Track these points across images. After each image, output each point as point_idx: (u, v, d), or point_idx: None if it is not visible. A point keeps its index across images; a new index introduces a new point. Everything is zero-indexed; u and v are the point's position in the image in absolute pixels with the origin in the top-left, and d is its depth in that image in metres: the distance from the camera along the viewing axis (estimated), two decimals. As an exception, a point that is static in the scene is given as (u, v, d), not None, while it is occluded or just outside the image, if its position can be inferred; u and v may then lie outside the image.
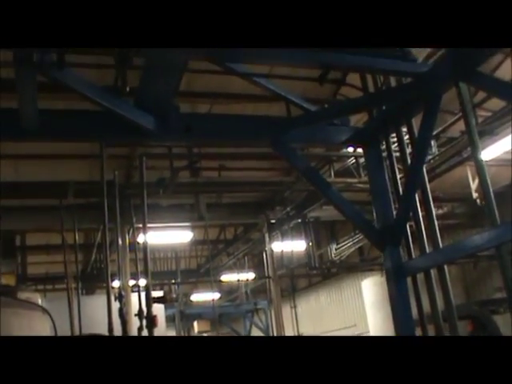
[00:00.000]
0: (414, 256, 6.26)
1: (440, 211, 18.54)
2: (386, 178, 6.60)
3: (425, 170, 6.20)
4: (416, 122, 6.18)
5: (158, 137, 5.86)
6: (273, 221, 17.29)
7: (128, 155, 14.33)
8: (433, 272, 5.94)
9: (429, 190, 6.13)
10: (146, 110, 5.55)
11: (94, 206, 11.99)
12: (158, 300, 9.94)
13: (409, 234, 6.30)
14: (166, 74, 5.00)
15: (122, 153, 14.18)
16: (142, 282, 19.41)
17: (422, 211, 6.15)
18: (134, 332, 8.51)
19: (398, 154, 6.57)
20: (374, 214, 6.61)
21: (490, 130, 12.21)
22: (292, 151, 6.31)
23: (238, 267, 23.37)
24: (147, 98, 5.44)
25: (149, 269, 10.48)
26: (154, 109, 5.55)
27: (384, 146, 6.70)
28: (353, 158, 14.01)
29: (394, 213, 6.45)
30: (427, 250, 6.09)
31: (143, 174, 11.34)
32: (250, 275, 23.99)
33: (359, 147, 7.42)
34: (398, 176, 6.55)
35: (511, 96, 5.10)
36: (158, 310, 12.36)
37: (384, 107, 6.56)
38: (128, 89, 5.75)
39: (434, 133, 13.19)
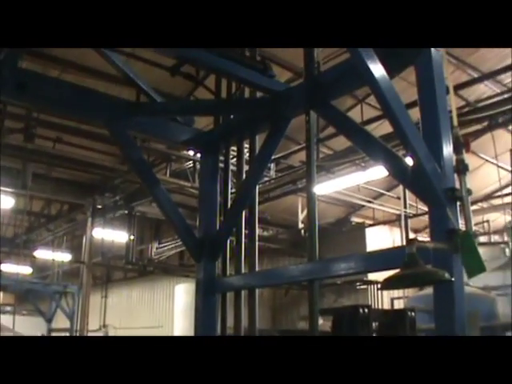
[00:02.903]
0: (228, 273, 6.13)
1: (265, 233, 18.94)
2: (218, 189, 6.42)
3: (257, 190, 6.11)
4: (260, 141, 6.08)
5: (-14, 88, 5.27)
6: (99, 206, 16.72)
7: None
8: (243, 292, 5.85)
9: (257, 211, 6.03)
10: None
11: None
12: None
13: (227, 250, 6.16)
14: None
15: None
16: None
17: (245, 230, 6.05)
18: None
19: (234, 168, 6.45)
20: (197, 222, 6.40)
21: (327, 167, 12.57)
22: (127, 138, 5.94)
23: (56, 246, 22.43)
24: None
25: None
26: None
27: (222, 157, 6.54)
28: (191, 161, 13.88)
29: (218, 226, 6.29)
30: (243, 270, 5.98)
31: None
32: (67, 256, 23.07)
33: (198, 151, 7.20)
34: (230, 190, 6.40)
35: (354, 136, 5.08)
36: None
37: (232, 117, 6.41)
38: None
39: (275, 157, 13.41)
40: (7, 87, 5.23)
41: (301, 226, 17.87)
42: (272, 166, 14.09)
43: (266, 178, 13.93)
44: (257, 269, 5.82)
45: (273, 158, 13.84)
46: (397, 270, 3.32)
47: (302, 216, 17.58)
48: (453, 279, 3.45)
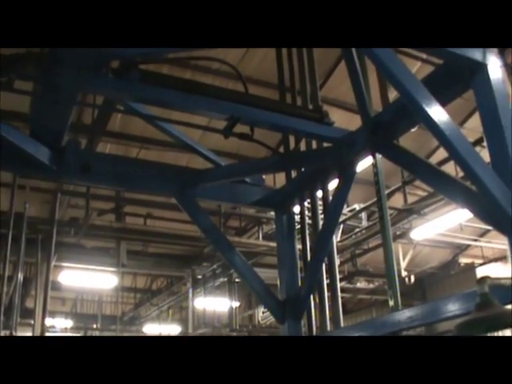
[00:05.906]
0: (314, 333, 5.84)
1: (371, 285, 18.36)
2: (296, 246, 6.20)
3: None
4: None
5: (54, 173, 5.34)
6: (199, 276, 16.78)
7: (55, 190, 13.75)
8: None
9: (336, 262, 5.76)
10: (43, 141, 5.05)
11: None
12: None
13: (312, 307, 5.88)
14: (56, 103, 4.53)
15: (49, 187, 13.58)
16: (60, 323, 18.56)
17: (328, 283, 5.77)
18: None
19: (310, 221, 6.21)
20: (278, 284, 6.17)
21: (417, 209, 12.07)
22: (196, 207, 5.86)
23: (162, 319, 22.64)
24: (42, 129, 4.96)
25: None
26: (50, 141, 5.07)
27: (297, 212, 6.33)
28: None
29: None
30: (328, 328, 5.68)
31: (56, 209, 10.95)
32: (175, 329, 23.19)
33: (271, 210, 7.04)
34: (308, 245, 6.15)
35: (425, 174, 4.77)
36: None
37: (302, 170, 6.23)
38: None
39: (365, 205, 13.04)
40: (72, 171, 5.31)
41: (404, 274, 17.23)
42: (363, 215, 13.74)
43: (358, 229, 13.59)
44: (341, 325, 5.52)
45: (362, 206, 13.63)
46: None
47: (404, 263, 16.98)
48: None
